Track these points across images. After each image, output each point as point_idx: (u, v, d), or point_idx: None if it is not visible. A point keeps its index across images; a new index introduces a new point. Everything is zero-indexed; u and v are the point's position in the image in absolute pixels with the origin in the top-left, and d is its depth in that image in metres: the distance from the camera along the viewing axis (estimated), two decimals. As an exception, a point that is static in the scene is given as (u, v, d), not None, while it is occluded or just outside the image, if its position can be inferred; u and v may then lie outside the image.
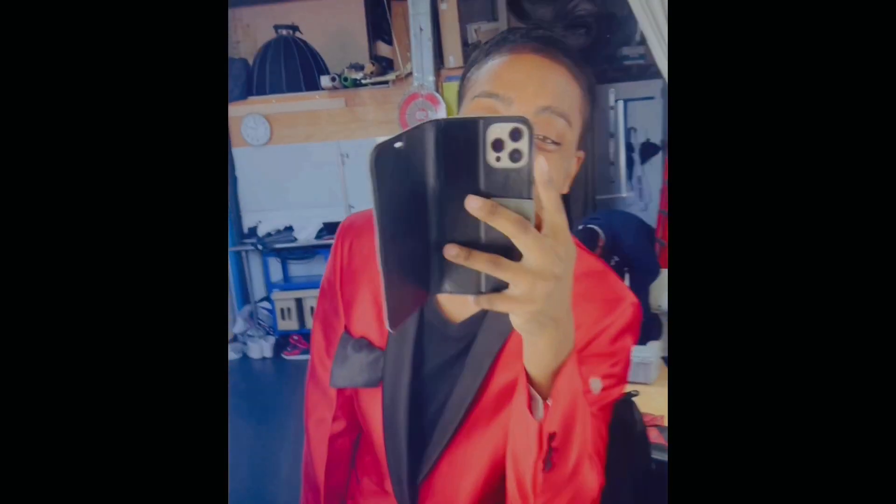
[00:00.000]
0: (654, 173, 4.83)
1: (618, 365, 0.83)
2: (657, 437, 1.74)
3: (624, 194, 5.08)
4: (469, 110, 0.75)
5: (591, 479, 0.75)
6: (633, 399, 1.00)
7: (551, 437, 0.63)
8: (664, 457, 1.50)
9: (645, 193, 4.97)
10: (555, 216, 0.50)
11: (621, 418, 0.91)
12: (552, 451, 0.64)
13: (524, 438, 0.66)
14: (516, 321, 0.54)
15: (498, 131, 0.45)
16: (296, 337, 4.20)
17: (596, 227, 2.93)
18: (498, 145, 0.45)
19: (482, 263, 0.47)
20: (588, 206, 4.80)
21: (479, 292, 0.49)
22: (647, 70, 4.57)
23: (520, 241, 0.47)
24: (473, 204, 0.45)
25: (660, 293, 2.96)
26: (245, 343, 4.25)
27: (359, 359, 0.88)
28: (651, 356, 2.20)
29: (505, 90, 0.72)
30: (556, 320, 0.55)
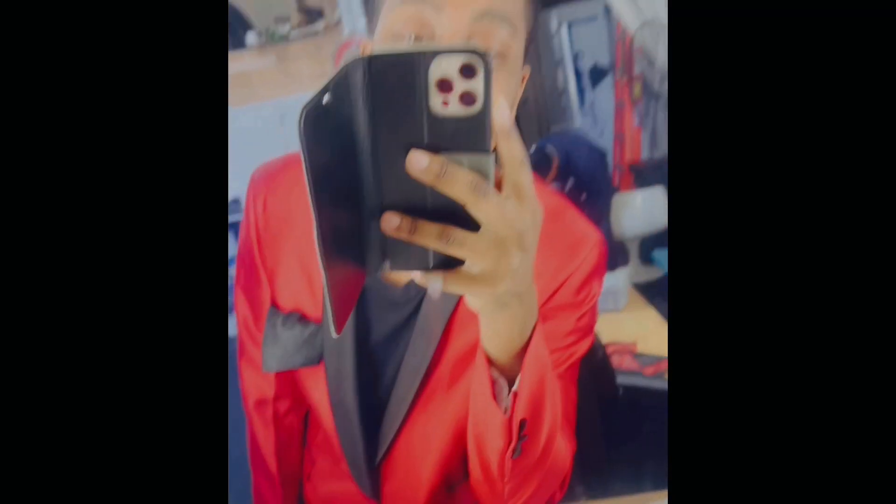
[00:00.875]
0: (606, 98, 4.72)
1: (585, 316, 0.73)
2: (630, 364, 1.68)
3: (578, 123, 5.00)
4: (389, 23, 0.59)
5: (563, 450, 0.67)
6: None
7: (522, 424, 0.54)
8: (636, 382, 1.46)
9: (599, 119, 4.89)
10: (519, 173, 0.39)
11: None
12: (523, 437, 0.55)
13: (489, 427, 0.56)
14: (473, 302, 0.45)
15: (444, 67, 0.36)
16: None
17: (550, 149, 2.85)
18: (445, 86, 0.36)
19: (430, 238, 0.38)
20: (543, 132, 4.69)
21: (426, 268, 0.41)
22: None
23: (477, 209, 0.38)
24: (416, 164, 0.36)
25: (620, 217, 2.90)
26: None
27: (292, 336, 0.75)
28: (619, 283, 2.13)
29: None
30: (520, 295, 0.45)
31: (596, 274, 0.73)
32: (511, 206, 0.39)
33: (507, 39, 0.58)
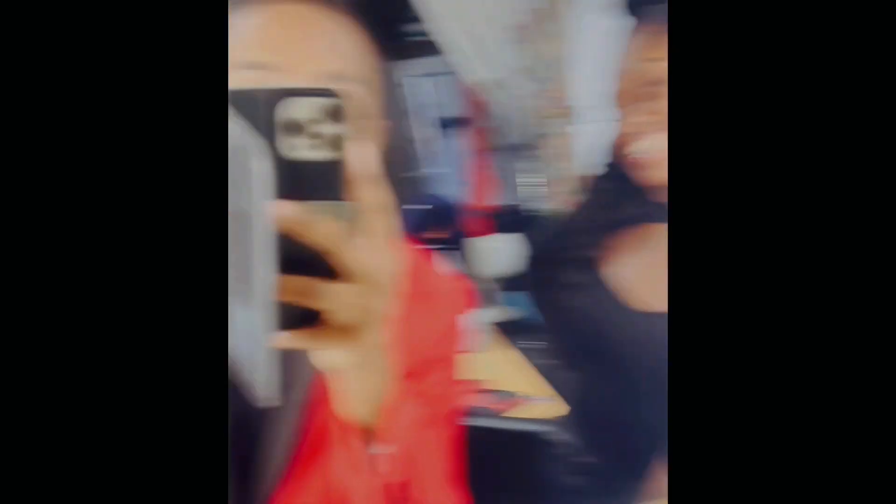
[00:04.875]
0: (458, 146, 4.89)
1: (460, 363, 0.76)
2: (485, 401, 1.76)
3: (430, 170, 5.13)
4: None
5: None
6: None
7: (402, 486, 0.53)
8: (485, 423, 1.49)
9: (452, 167, 5.05)
10: (380, 221, 0.39)
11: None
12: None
13: (359, 496, 0.54)
14: (333, 359, 0.44)
15: (297, 109, 0.33)
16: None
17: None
18: (293, 129, 0.33)
19: (289, 293, 0.37)
20: (397, 188, 4.76)
21: (293, 326, 0.38)
22: (430, 47, 4.57)
23: (338, 258, 0.37)
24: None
25: (477, 262, 3.01)
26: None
27: None
28: (482, 324, 2.19)
29: (270, 56, 0.54)
30: (384, 347, 0.45)
31: (467, 320, 0.77)
32: (372, 253, 0.38)
33: (363, 98, 0.59)
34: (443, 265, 0.79)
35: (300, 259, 0.36)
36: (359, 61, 0.59)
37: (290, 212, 0.35)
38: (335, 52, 0.56)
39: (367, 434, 0.51)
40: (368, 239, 0.39)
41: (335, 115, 0.34)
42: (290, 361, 0.66)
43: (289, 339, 0.39)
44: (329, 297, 0.37)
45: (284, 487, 0.70)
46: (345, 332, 0.39)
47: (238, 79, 0.55)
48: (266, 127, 0.33)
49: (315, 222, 0.35)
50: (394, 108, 4.80)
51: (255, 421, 0.71)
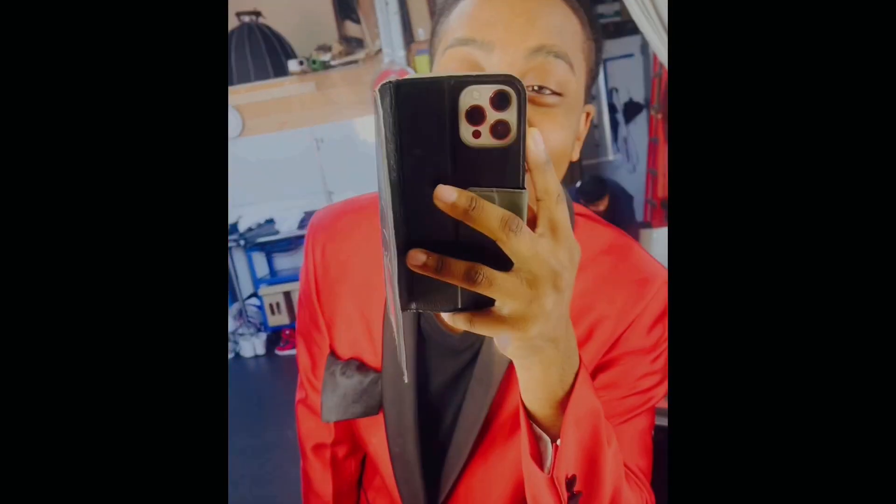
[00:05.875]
0: (640, 133, 4.72)
1: (659, 358, 0.68)
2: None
3: (610, 157, 4.99)
4: (441, 67, 0.57)
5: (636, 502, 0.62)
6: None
7: (571, 481, 0.50)
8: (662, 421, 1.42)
9: (632, 154, 4.88)
10: (554, 210, 0.38)
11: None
12: (576, 495, 0.51)
13: (537, 487, 0.52)
14: (503, 346, 0.42)
15: (475, 96, 0.33)
16: (287, 332, 4.11)
17: (602, 177, 2.86)
18: (475, 116, 0.33)
19: (457, 276, 0.35)
20: (574, 173, 4.70)
21: (455, 309, 0.37)
22: (623, 27, 4.44)
23: (508, 246, 0.36)
24: (444, 198, 0.34)
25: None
26: (237, 342, 4.17)
27: (351, 385, 0.73)
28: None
29: (483, 33, 0.53)
30: (555, 340, 0.42)
31: (666, 313, 0.68)
32: (545, 244, 0.37)
33: (565, 76, 0.55)
34: (646, 255, 0.71)
35: (471, 244, 0.36)
36: (566, 36, 0.55)
37: (460, 197, 0.34)
38: (542, 27, 0.54)
39: (545, 424, 0.50)
40: (539, 230, 0.38)
41: (511, 102, 0.33)
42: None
43: (456, 321, 0.39)
44: (494, 285, 0.36)
45: (473, 467, 0.71)
46: (508, 322, 0.38)
47: (451, 55, 0.55)
48: (446, 115, 0.33)
49: (484, 209, 0.34)
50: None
51: (440, 398, 0.73)
